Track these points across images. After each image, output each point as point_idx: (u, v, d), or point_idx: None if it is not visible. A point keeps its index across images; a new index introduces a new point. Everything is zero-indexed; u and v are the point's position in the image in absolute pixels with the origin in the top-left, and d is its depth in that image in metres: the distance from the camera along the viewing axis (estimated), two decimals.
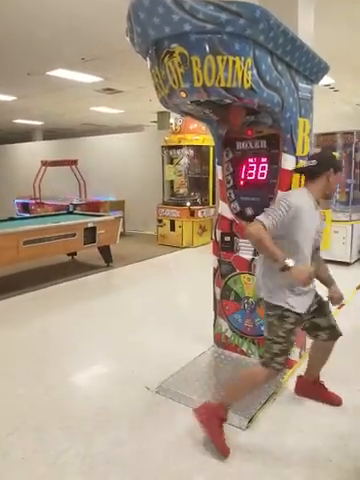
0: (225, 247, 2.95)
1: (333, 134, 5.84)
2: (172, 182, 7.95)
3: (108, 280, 5.54)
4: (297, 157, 2.58)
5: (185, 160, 7.52)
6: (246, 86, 2.02)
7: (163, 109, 11.27)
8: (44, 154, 11.17)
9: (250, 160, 2.75)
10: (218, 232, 2.98)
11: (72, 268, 5.88)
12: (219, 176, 2.92)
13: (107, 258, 5.83)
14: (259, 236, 1.85)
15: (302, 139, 2.59)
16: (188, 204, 7.23)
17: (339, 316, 3.96)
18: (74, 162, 9.31)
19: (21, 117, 12.89)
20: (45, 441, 2.16)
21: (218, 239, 2.98)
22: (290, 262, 1.82)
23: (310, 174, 2.11)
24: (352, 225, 5.75)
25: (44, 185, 10.44)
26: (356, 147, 5.70)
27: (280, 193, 2.13)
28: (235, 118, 2.36)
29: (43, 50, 6.24)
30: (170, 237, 7.44)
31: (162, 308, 4.20)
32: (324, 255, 6.15)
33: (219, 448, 2.03)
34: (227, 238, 2.94)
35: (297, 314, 2.04)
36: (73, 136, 12.70)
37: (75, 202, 8.71)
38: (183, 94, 2.05)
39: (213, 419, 2.08)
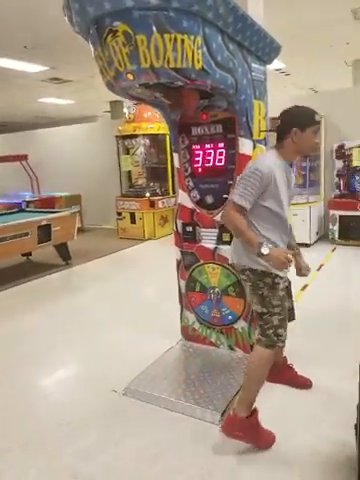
0: (187, 237, 2.85)
1: None
2: (130, 173, 7.74)
3: (67, 279, 5.29)
4: (254, 141, 2.51)
5: (141, 150, 7.32)
6: (197, 66, 1.90)
7: (116, 98, 11.00)
8: None
9: (207, 146, 2.65)
10: (179, 222, 2.87)
11: (27, 269, 5.57)
12: (176, 164, 2.80)
13: (65, 256, 5.57)
14: (234, 224, 1.84)
15: (258, 122, 2.52)
16: (147, 195, 7.06)
17: (303, 297, 4.05)
18: (23, 157, 8.83)
19: None
20: (1, 461, 1.98)
21: (179, 230, 2.88)
22: (265, 250, 1.77)
23: (277, 135, 1.95)
24: (310, 207, 5.86)
25: None
26: None
27: (249, 162, 2.00)
28: (188, 102, 2.24)
29: None
30: (131, 230, 7.26)
31: (127, 305, 4.06)
32: None
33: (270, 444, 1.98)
34: (189, 228, 2.84)
35: (282, 278, 1.97)
36: (27, 130, 12.03)
37: (28, 199, 8.27)
38: (130, 76, 1.89)
39: (249, 430, 1.94)
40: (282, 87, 10.91)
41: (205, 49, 1.90)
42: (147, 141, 7.18)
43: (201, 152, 2.68)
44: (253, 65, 2.39)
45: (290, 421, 2.18)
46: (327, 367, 2.67)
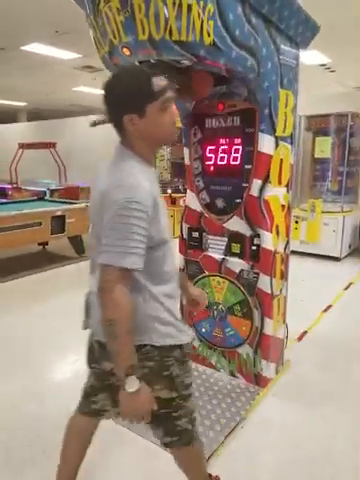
0: (193, 244, 2.51)
1: (325, 116, 5.37)
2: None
3: (77, 273, 5.04)
4: (277, 138, 2.13)
5: None
6: (207, 41, 1.55)
7: None
8: (24, 136, 10.58)
9: (221, 141, 2.29)
10: (185, 226, 2.54)
11: (39, 260, 5.41)
12: (186, 160, 2.46)
13: (78, 249, 5.37)
14: (119, 314, 1.08)
15: (284, 116, 2.13)
16: (169, 191, 6.75)
17: (324, 319, 3.60)
18: (52, 145, 8.77)
19: (1, 97, 12.19)
20: None
21: (185, 235, 2.54)
22: (132, 385, 1.11)
23: (115, 128, 1.24)
24: (343, 217, 5.33)
25: (23, 169, 9.88)
26: (351, 131, 5.24)
27: (115, 195, 1.10)
28: (200, 87, 1.89)
29: (12, 21, 5.64)
30: None
31: None
32: (312, 249, 5.72)
33: None
34: (195, 234, 2.50)
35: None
36: (60, 118, 12.08)
37: (53, 187, 8.19)
38: (126, 51, 1.57)
39: None
40: (325, 85, 10.23)
41: (218, 20, 1.54)
42: None
43: (214, 148, 2.32)
44: (282, 47, 2.00)
45: (290, 474, 1.81)
46: (343, 410, 2.25)
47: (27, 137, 10.35)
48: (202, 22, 1.50)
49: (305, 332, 3.21)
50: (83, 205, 5.26)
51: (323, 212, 5.37)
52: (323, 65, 8.08)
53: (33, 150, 9.29)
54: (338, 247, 5.34)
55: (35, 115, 15.49)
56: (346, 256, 5.56)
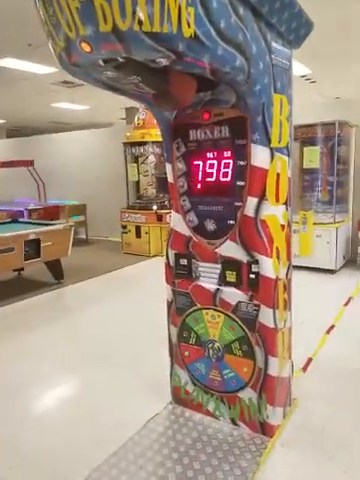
0: (181, 273, 2.18)
1: (312, 126, 5.18)
2: (138, 183, 7.16)
3: (48, 305, 4.47)
4: (272, 149, 1.84)
5: (152, 158, 6.73)
6: (187, 33, 1.25)
7: (132, 104, 10.54)
8: (2, 154, 10.18)
9: (209, 155, 1.99)
10: (171, 253, 2.21)
11: (14, 287, 4.99)
12: (169, 178, 2.15)
13: (57, 274, 4.98)
14: None
15: (279, 124, 1.85)
16: (154, 208, 6.44)
17: (328, 342, 3.27)
18: (29, 163, 8.39)
19: None
20: None
21: (171, 262, 2.22)
22: None
23: None
24: (336, 228, 5.10)
25: (1, 188, 9.47)
26: (339, 140, 5.05)
27: None
28: (180, 92, 1.59)
29: None
30: (136, 245, 6.63)
31: (115, 341, 3.39)
32: (306, 262, 5.46)
33: None
34: (183, 261, 2.18)
35: None
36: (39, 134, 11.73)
37: (31, 207, 7.79)
38: (85, 47, 1.27)
39: None
40: (306, 96, 10.21)
41: (200, 7, 1.25)
42: (157, 149, 6.58)
43: (201, 163, 2.02)
44: (274, 45, 1.73)
45: None
46: None
47: (5, 155, 9.99)
48: (180, 9, 1.21)
49: (310, 360, 2.90)
50: (60, 227, 4.90)
51: (315, 224, 5.13)
52: (304, 76, 8.01)
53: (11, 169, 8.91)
54: (333, 259, 5.09)
55: (15, 132, 15.11)
56: (341, 268, 5.32)
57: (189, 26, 1.24)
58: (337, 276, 5.11)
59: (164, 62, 1.37)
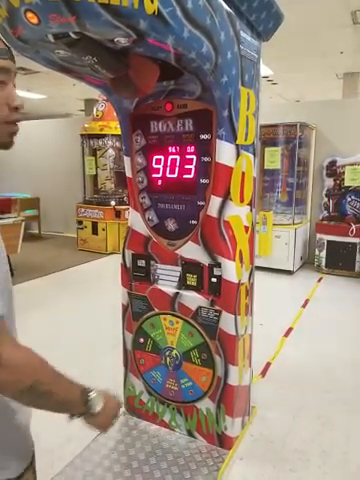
0: (138, 275, 2.03)
1: (274, 126, 5.20)
2: (96, 177, 6.87)
3: None
4: (238, 146, 1.74)
5: (111, 152, 6.48)
6: (150, 9, 1.10)
7: (90, 96, 10.14)
8: None
9: (171, 149, 1.85)
10: (128, 253, 2.06)
11: None
12: (128, 172, 1.99)
13: None
14: (37, 373, 0.75)
15: (245, 120, 1.75)
16: (113, 203, 6.20)
17: (287, 346, 3.26)
18: None
19: None
20: None
21: (128, 263, 2.06)
22: (98, 403, 0.85)
23: None
24: (295, 229, 5.16)
25: None
26: (300, 141, 5.10)
27: None
28: (141, 78, 1.44)
29: None
30: (92, 242, 6.37)
31: (65, 346, 3.16)
32: (264, 263, 5.48)
33: None
34: (141, 262, 2.03)
35: None
36: None
37: None
38: (32, 17, 1.08)
39: None
40: (268, 98, 10.39)
41: None
42: (117, 143, 6.34)
43: (162, 158, 1.88)
44: (243, 35, 1.62)
45: None
46: (327, 473, 1.89)
47: None
48: None
49: (268, 364, 2.86)
50: (10, 221, 4.56)
51: (275, 225, 5.16)
52: (266, 77, 8.11)
53: None
54: (291, 260, 5.16)
55: None
56: (298, 269, 5.40)
57: (152, 2, 1.09)
58: (295, 277, 5.18)
59: (123, 42, 1.21)
